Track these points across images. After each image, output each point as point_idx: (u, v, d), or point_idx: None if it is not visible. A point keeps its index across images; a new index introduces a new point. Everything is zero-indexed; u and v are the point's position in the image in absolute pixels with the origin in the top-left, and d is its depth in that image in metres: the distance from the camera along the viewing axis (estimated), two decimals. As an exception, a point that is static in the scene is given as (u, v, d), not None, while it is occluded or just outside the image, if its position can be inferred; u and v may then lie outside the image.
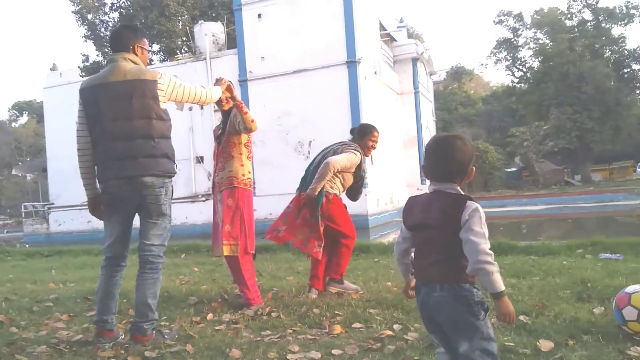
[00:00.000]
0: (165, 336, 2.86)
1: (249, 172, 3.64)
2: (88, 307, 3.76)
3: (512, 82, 35.97)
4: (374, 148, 4.13)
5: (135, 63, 2.81)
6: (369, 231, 14.94)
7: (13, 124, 55.29)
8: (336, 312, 3.32)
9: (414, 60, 24.50)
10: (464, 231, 1.63)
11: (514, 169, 32.09)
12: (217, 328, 3.06)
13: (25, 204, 28.55)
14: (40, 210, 25.98)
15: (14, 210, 44.52)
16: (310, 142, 17.94)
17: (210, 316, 3.35)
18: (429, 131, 27.31)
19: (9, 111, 57.17)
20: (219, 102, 3.51)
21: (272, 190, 18.06)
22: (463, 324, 1.64)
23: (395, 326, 2.94)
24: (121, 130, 2.70)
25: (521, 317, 2.88)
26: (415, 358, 2.41)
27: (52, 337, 2.97)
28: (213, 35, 21.00)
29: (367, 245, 6.25)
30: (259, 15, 18.79)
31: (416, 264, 1.82)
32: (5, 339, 2.91)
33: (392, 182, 20.21)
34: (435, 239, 1.72)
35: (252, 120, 3.39)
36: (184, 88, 2.89)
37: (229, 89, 3.33)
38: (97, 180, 2.87)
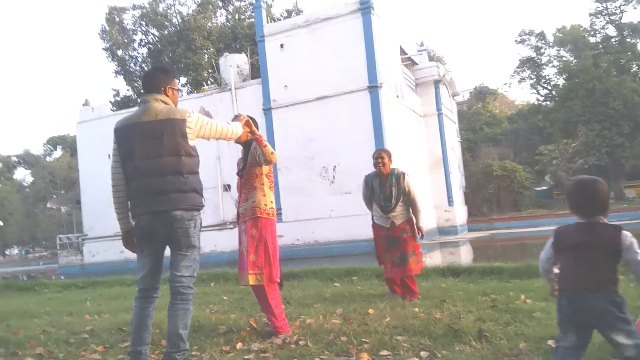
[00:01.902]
0: (197, 367, 2.91)
1: (272, 202, 3.71)
2: (122, 338, 3.83)
3: (538, 100, 35.50)
4: (380, 166, 4.87)
5: (166, 103, 2.96)
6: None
7: (47, 158, 57.28)
8: (363, 339, 3.31)
9: (436, 83, 24.58)
10: (631, 254, 2.16)
11: (544, 188, 31.33)
12: (246, 357, 3.09)
13: (60, 236, 29.39)
14: (75, 242, 26.69)
15: (49, 242, 45.82)
16: (335, 167, 18.08)
17: (239, 345, 3.38)
18: (454, 152, 27.12)
19: (43, 146, 59.34)
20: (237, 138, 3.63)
21: (299, 216, 18.18)
22: (617, 321, 2.11)
23: (423, 353, 2.93)
24: (152, 167, 2.83)
25: (550, 342, 2.85)
26: (443, 385, 2.42)
27: (88, 369, 3.05)
28: (237, 67, 21.60)
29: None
30: (282, 46, 19.26)
31: (569, 277, 2.25)
32: (45, 371, 3.01)
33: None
34: (590, 258, 2.19)
35: (272, 153, 3.49)
36: (211, 125, 3.03)
37: (247, 124, 3.43)
38: (130, 215, 3.00)
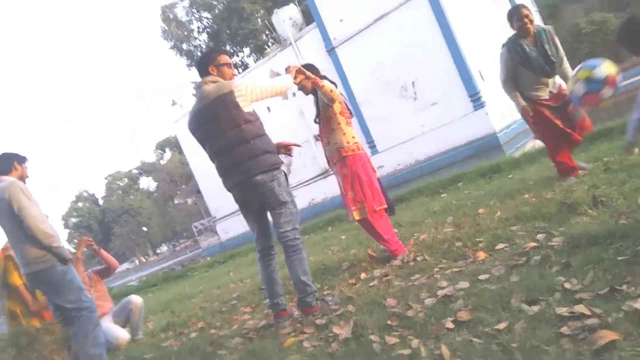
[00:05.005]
0: (330, 303, 3.14)
1: (353, 137, 3.74)
2: (265, 296, 4.25)
3: None
4: (527, 24, 4.14)
5: (214, 82, 3.10)
6: (502, 149, 14.06)
7: (161, 162, 62.52)
8: (477, 239, 3.33)
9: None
10: None
11: (647, 26, 27.12)
12: (371, 284, 3.27)
13: (195, 224, 32.44)
14: (208, 225, 29.31)
15: (188, 232, 50.82)
16: (413, 82, 17.37)
17: (363, 275, 3.58)
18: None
19: (154, 152, 64.76)
20: (304, 89, 3.71)
21: (392, 142, 17.98)
22: None
23: (539, 236, 2.87)
24: (221, 145, 3.05)
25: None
26: (563, 261, 2.36)
27: (242, 329, 3.42)
28: (290, 19, 21.32)
29: (496, 164, 6.05)
30: (324, -20, 18.58)
31: None
32: (208, 341, 3.44)
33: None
34: None
35: (331, 91, 3.52)
36: (259, 87, 3.12)
37: (299, 72, 3.46)
38: None
